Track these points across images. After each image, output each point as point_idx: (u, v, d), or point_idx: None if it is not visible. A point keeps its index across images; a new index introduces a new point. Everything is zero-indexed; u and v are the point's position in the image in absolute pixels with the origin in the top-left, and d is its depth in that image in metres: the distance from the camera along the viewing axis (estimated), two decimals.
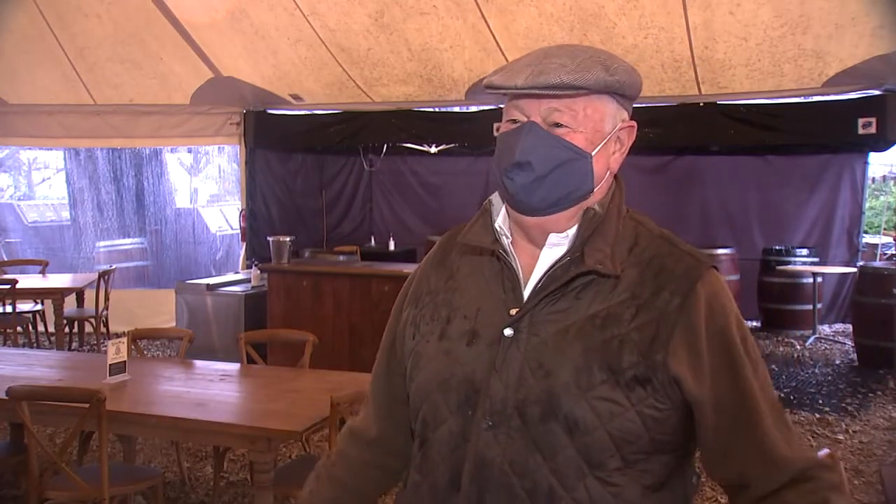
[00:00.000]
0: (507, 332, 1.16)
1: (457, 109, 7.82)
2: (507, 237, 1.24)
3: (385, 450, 1.38)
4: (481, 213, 1.28)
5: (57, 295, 6.66)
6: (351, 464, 1.40)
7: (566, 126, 1.17)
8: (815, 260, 8.12)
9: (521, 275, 1.21)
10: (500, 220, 1.25)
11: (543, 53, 1.18)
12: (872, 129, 6.27)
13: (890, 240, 9.77)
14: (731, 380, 1.13)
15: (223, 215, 11.26)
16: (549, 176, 1.16)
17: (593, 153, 1.18)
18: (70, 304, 6.95)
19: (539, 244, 1.22)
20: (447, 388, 1.19)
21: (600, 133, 1.18)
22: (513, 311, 1.18)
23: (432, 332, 1.25)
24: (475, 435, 1.15)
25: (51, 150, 10.83)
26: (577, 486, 1.10)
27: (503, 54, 6.72)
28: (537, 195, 1.17)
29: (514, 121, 1.20)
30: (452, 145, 8.40)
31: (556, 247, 1.20)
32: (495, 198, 1.28)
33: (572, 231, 1.20)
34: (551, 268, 1.18)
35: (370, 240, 9.65)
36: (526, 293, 1.19)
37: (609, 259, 1.15)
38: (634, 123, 1.23)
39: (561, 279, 1.16)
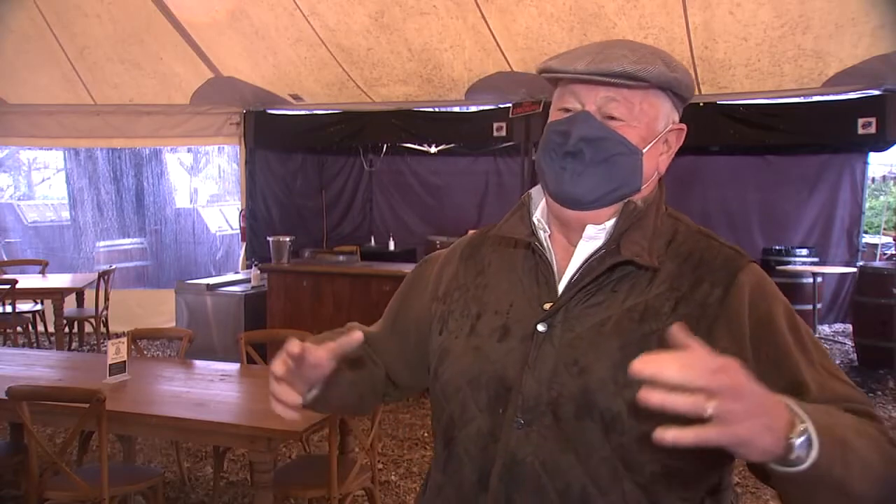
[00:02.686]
0: (541, 327, 1.13)
1: (457, 109, 7.82)
2: (546, 231, 1.21)
3: (375, 372, 1.37)
4: (519, 207, 1.25)
5: (57, 295, 6.66)
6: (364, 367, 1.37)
7: (620, 119, 1.13)
8: (815, 260, 8.12)
9: (556, 269, 1.18)
10: (539, 214, 1.22)
11: (602, 44, 1.15)
12: (872, 129, 6.27)
13: (890, 240, 9.77)
14: (778, 368, 1.07)
15: (223, 215, 11.26)
16: (598, 168, 1.14)
17: (644, 150, 1.15)
18: (70, 304, 6.95)
19: (576, 240, 1.18)
20: (477, 386, 1.15)
21: (653, 131, 1.15)
22: (546, 306, 1.14)
23: (461, 328, 1.21)
24: (506, 433, 1.11)
25: (51, 150, 10.83)
26: (612, 488, 1.06)
27: (503, 54, 6.72)
28: (584, 186, 1.14)
29: (567, 109, 1.16)
30: (452, 145, 8.41)
31: (592, 240, 1.17)
32: (535, 191, 1.25)
33: (610, 224, 1.16)
34: (587, 260, 1.15)
35: (370, 240, 9.66)
36: (561, 287, 1.16)
37: (646, 252, 1.12)
38: (684, 126, 1.20)
39: (597, 270, 1.13)
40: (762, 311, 1.09)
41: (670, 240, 1.16)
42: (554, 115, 1.18)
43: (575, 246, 1.18)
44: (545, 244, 1.19)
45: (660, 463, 1.06)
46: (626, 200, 1.16)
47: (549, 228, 1.21)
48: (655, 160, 1.18)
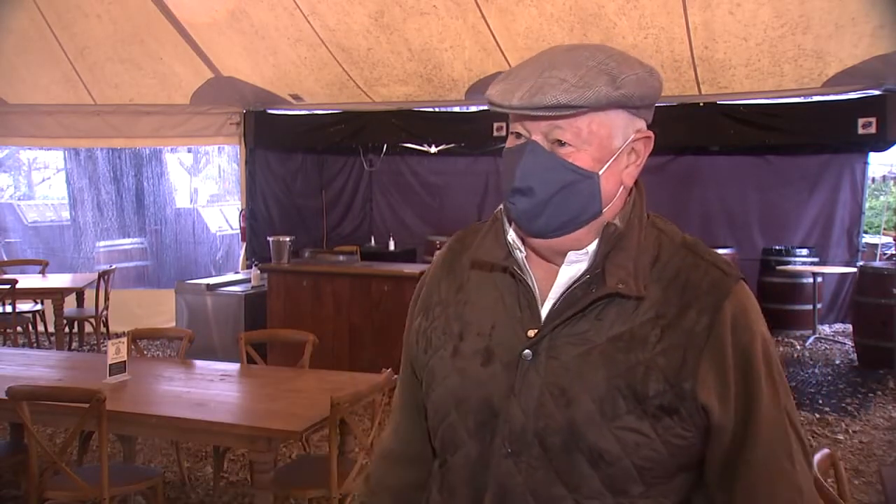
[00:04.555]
0: (526, 353, 1.11)
1: (457, 109, 7.83)
2: (521, 251, 1.17)
3: (424, 467, 1.33)
4: (492, 223, 1.22)
5: (57, 295, 6.65)
6: (392, 493, 1.35)
7: (569, 145, 1.09)
8: (815, 260, 8.12)
9: (537, 292, 1.15)
10: (513, 233, 1.18)
11: (547, 62, 1.09)
12: (872, 129, 6.28)
13: (890, 240, 9.77)
14: (743, 405, 1.08)
15: (223, 215, 11.26)
16: (551, 200, 1.10)
17: (601, 172, 1.10)
18: (70, 304, 6.95)
19: (555, 260, 1.16)
20: (464, 410, 1.15)
21: (608, 150, 1.10)
22: (530, 333, 1.12)
23: (444, 347, 1.20)
24: (495, 462, 1.11)
25: (51, 150, 10.84)
26: None
27: (503, 54, 6.72)
28: (540, 221, 1.11)
29: (518, 134, 1.13)
30: (452, 145, 8.41)
31: (575, 263, 1.14)
32: None
33: (592, 247, 1.13)
34: (570, 286, 1.12)
35: (370, 240, 9.66)
36: (543, 312, 1.13)
37: (632, 277, 1.09)
38: (651, 134, 1.15)
39: (581, 301, 1.10)
40: (744, 343, 1.09)
41: (655, 257, 1.13)
42: (509, 141, 1.15)
43: (556, 267, 1.16)
44: (523, 266, 1.16)
45: (645, 484, 1.08)
46: (605, 223, 1.13)
47: (525, 249, 1.18)
48: (618, 176, 1.13)
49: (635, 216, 1.15)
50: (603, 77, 1.06)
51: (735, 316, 1.09)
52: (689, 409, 1.06)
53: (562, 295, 1.13)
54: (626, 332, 1.09)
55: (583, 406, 1.07)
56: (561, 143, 1.09)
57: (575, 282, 1.12)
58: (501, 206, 1.21)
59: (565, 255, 1.14)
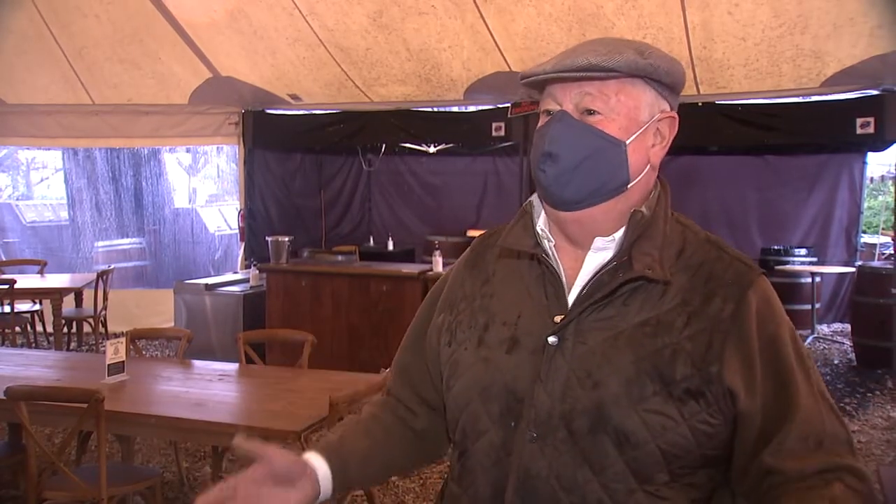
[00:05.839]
0: (552, 339, 1.12)
1: (455, 109, 7.82)
2: (550, 240, 1.19)
3: (427, 438, 1.35)
4: (521, 215, 1.24)
5: (55, 295, 6.65)
6: (385, 427, 1.34)
7: (598, 113, 1.12)
8: (814, 260, 8.13)
9: (564, 279, 1.16)
10: (542, 223, 1.20)
11: (580, 43, 1.16)
12: (871, 129, 6.27)
13: (888, 239, 9.76)
14: (779, 389, 1.08)
15: (222, 215, 11.25)
16: (581, 165, 1.12)
17: (628, 141, 1.13)
18: (68, 304, 6.94)
19: (582, 246, 1.17)
20: (487, 398, 1.15)
21: (635, 121, 1.14)
22: (557, 318, 1.13)
23: (469, 339, 1.20)
24: (519, 447, 1.11)
25: (49, 149, 10.81)
26: (626, 501, 1.07)
27: (502, 54, 6.72)
28: (570, 187, 1.13)
29: (548, 112, 1.16)
30: (451, 145, 8.41)
31: (601, 251, 1.16)
32: (535, 199, 1.24)
33: (619, 234, 1.15)
34: (597, 273, 1.14)
35: (369, 240, 9.66)
36: (570, 299, 1.14)
37: (658, 264, 1.11)
38: (675, 115, 1.18)
39: (609, 285, 1.11)
40: (770, 331, 1.10)
41: (680, 249, 1.15)
42: (540, 122, 1.19)
43: (583, 255, 1.17)
44: (551, 254, 1.18)
45: (670, 473, 1.07)
46: (633, 211, 1.15)
47: (553, 237, 1.20)
48: (645, 152, 1.16)
49: (661, 209, 1.17)
50: (631, 49, 1.13)
51: (760, 306, 1.10)
52: (715, 392, 1.07)
53: (589, 281, 1.14)
54: (652, 318, 1.10)
55: (610, 388, 1.07)
56: (590, 113, 1.13)
57: (602, 268, 1.14)
58: (530, 199, 1.24)
59: (592, 241, 1.16)
